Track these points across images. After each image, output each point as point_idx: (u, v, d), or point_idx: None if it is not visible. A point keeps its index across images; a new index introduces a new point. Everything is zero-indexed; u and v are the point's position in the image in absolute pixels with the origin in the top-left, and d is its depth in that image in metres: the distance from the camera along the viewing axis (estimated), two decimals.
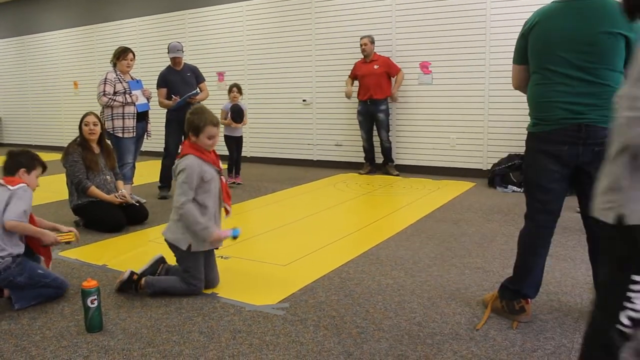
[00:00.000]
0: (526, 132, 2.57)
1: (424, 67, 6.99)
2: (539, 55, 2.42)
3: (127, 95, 5.20)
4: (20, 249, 2.83)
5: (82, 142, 4.46)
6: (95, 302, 2.55)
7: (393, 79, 6.96)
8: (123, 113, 5.19)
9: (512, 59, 2.61)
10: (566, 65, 2.33)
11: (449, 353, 2.31)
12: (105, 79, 5.18)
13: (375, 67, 6.89)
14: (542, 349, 2.32)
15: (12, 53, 12.03)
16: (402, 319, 2.65)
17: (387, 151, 7.13)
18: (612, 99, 2.33)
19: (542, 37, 2.39)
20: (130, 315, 2.75)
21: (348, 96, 7.16)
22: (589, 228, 2.55)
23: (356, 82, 7.14)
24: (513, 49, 2.64)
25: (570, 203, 2.72)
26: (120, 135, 5.20)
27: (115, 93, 5.16)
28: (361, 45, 6.90)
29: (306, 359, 2.28)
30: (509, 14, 6.33)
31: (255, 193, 5.98)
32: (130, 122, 5.23)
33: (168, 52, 5.94)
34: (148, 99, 5.43)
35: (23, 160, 3.06)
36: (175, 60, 5.91)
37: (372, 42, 6.92)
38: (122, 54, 5.30)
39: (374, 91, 6.89)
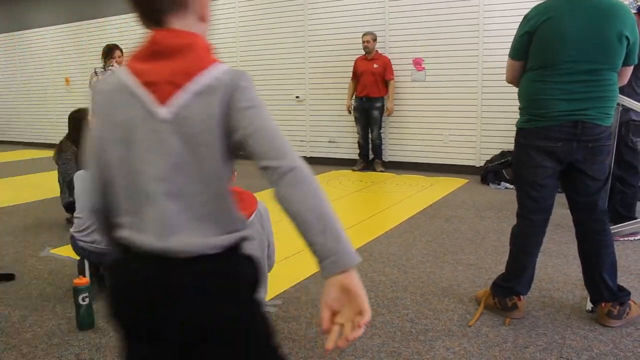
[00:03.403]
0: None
1: (417, 63, 6.99)
2: (546, 52, 2.36)
3: None
4: None
5: (76, 138, 4.42)
6: (87, 300, 2.54)
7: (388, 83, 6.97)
8: None
9: (506, 55, 2.56)
10: (573, 64, 2.31)
11: (441, 349, 2.31)
12: (95, 71, 5.29)
13: (375, 66, 6.88)
14: (534, 345, 2.33)
15: (2, 49, 11.93)
16: (395, 315, 2.65)
17: (377, 148, 7.16)
18: (608, 97, 2.35)
19: (555, 34, 2.32)
20: None
21: (348, 111, 7.20)
22: (578, 224, 2.56)
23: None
24: (506, 45, 2.62)
25: (562, 199, 2.73)
26: None
27: None
28: (363, 42, 6.89)
29: (299, 355, 2.28)
30: (502, 10, 6.34)
31: (248, 190, 5.96)
32: None
33: None
34: None
35: None
36: None
37: (375, 39, 6.91)
38: (109, 53, 5.45)
39: (371, 89, 6.90)
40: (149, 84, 1.04)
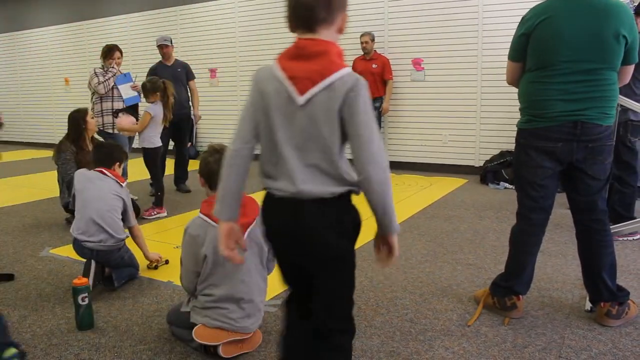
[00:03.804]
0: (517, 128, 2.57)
1: (417, 64, 6.99)
2: (544, 52, 2.36)
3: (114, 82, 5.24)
4: (126, 234, 3.18)
5: (76, 139, 4.41)
6: (86, 300, 2.54)
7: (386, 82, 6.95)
8: (112, 109, 5.19)
9: (506, 56, 2.55)
10: (570, 64, 2.31)
11: (440, 349, 2.31)
12: (94, 72, 5.20)
13: (374, 66, 6.87)
14: (533, 345, 2.33)
15: (2, 49, 11.92)
16: (394, 315, 2.65)
17: None
18: (608, 97, 2.34)
19: (552, 35, 2.32)
20: (121, 313, 2.74)
21: None
22: (579, 224, 2.56)
23: None
24: (505, 45, 2.61)
25: (562, 199, 2.73)
26: (110, 131, 5.18)
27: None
28: (362, 42, 6.87)
29: None
30: (502, 11, 6.34)
31: (248, 189, 5.95)
32: None
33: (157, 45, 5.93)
34: (139, 93, 5.40)
35: (119, 155, 3.39)
36: (163, 51, 5.87)
37: (373, 39, 6.89)
38: (108, 53, 5.36)
39: (370, 89, 6.87)
40: (292, 78, 1.46)
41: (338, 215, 1.53)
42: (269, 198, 1.57)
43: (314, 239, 1.52)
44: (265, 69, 1.52)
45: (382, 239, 1.60)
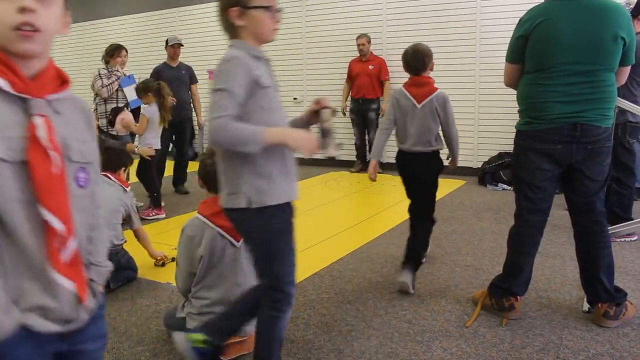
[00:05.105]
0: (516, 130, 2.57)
1: None
2: (542, 54, 2.37)
3: (118, 85, 5.21)
4: (124, 240, 3.25)
5: None
6: None
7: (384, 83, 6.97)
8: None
9: (504, 57, 2.56)
10: (568, 66, 2.31)
11: (438, 350, 2.32)
12: (99, 74, 5.18)
13: (370, 67, 6.88)
14: (531, 346, 2.34)
15: None
16: (392, 316, 2.66)
17: None
18: (606, 98, 2.35)
19: (549, 37, 2.32)
20: (120, 314, 2.74)
21: (343, 113, 7.16)
22: (577, 225, 2.56)
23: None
24: (503, 47, 2.62)
25: (560, 200, 2.74)
26: (114, 133, 5.17)
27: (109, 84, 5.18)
28: (358, 44, 6.88)
29: (297, 356, 2.29)
30: (500, 12, 6.35)
31: None
32: None
33: (167, 44, 5.90)
34: None
35: (126, 160, 3.48)
36: (175, 51, 5.86)
37: (369, 41, 6.90)
38: (115, 52, 5.31)
39: (367, 90, 6.89)
40: (414, 95, 3.09)
41: (432, 160, 3.11)
42: (402, 152, 3.18)
43: (423, 171, 3.12)
44: (399, 90, 3.15)
45: (451, 161, 3.30)
